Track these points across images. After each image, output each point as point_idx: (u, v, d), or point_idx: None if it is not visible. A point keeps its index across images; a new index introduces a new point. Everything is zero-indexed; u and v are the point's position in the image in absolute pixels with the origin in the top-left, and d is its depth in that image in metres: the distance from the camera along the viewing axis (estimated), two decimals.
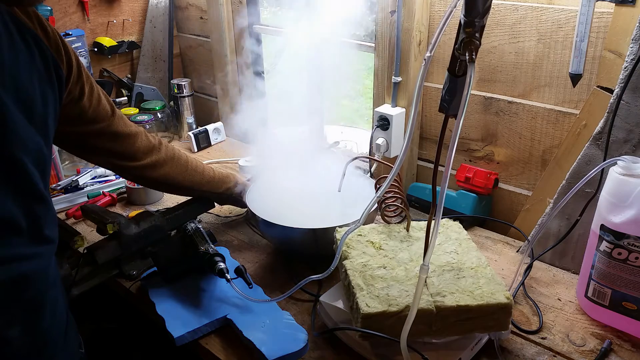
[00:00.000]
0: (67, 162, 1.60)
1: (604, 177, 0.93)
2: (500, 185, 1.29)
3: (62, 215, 1.36)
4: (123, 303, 1.17)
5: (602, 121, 1.00)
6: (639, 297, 0.88)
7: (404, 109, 1.34)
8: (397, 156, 0.95)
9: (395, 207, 1.04)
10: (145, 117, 1.68)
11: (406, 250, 0.95)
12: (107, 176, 1.52)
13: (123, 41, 1.81)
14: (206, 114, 1.94)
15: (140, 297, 1.05)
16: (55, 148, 1.42)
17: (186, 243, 1.08)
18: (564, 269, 1.11)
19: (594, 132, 1.01)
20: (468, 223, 1.24)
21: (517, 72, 1.17)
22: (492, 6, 0.65)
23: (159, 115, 1.76)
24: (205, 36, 1.83)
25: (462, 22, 0.63)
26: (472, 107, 1.27)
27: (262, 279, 1.09)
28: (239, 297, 0.98)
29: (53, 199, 1.33)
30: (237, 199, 1.23)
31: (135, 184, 1.38)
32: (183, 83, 1.77)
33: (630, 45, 0.94)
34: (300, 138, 1.25)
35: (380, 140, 1.36)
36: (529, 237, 1.15)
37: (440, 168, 0.81)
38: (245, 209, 1.30)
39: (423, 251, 0.92)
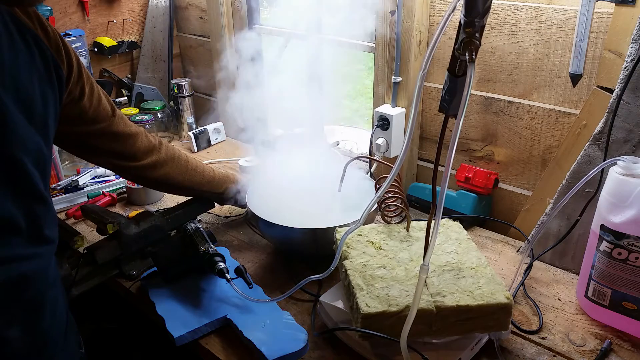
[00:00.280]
0: (67, 162, 1.60)
1: (604, 177, 0.93)
2: (500, 185, 1.29)
3: (62, 215, 1.36)
4: (123, 303, 1.17)
5: (602, 121, 1.00)
6: (639, 297, 0.88)
7: (404, 109, 1.34)
8: (397, 156, 0.95)
9: (395, 207, 1.04)
10: (145, 117, 1.68)
11: (406, 250, 0.95)
12: (107, 176, 1.52)
13: (123, 41, 1.81)
14: (206, 114, 1.94)
15: (140, 297, 1.05)
16: (55, 148, 1.42)
17: (186, 243, 1.08)
18: (564, 269, 1.11)
19: (594, 132, 1.01)
20: (468, 223, 1.24)
21: (517, 72, 1.17)
22: (492, 6, 0.65)
23: (159, 115, 1.76)
24: (205, 36, 1.83)
25: (462, 22, 0.63)
26: (472, 107, 1.27)
27: (262, 279, 1.09)
28: (239, 297, 0.98)
29: (53, 199, 1.32)
30: (237, 199, 1.23)
31: (135, 184, 1.38)
32: (183, 83, 1.77)
33: (630, 45, 0.94)
34: (300, 138, 1.25)
35: (380, 140, 1.36)
36: (529, 237, 1.15)
37: (440, 168, 0.81)
38: (245, 209, 1.30)
39: (423, 251, 0.92)
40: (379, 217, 1.11)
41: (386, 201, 1.05)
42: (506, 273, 1.10)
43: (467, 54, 0.63)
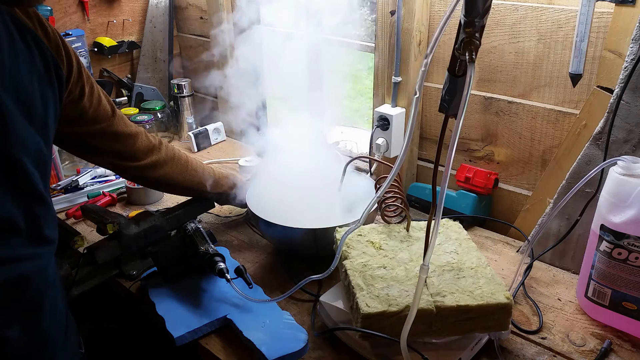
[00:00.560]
0: (67, 162, 1.60)
1: (604, 177, 0.93)
2: (500, 185, 1.29)
3: (62, 215, 1.36)
4: (123, 303, 1.17)
5: (602, 121, 1.00)
6: (639, 297, 0.88)
7: (404, 109, 1.34)
8: (397, 156, 0.95)
9: (395, 207, 1.04)
10: (145, 117, 1.68)
11: (406, 250, 0.95)
12: (107, 176, 1.52)
13: (123, 41, 1.81)
14: (206, 114, 1.94)
15: (140, 297, 1.05)
16: (55, 148, 1.42)
17: (186, 243, 1.08)
18: (564, 269, 1.11)
19: (594, 132, 1.01)
20: (468, 223, 1.24)
21: (517, 72, 1.17)
22: (492, 6, 0.65)
23: (159, 115, 1.76)
24: (205, 36, 1.83)
25: (462, 22, 0.63)
26: (472, 107, 1.27)
27: (262, 279, 1.09)
28: (239, 297, 0.98)
29: (53, 199, 1.32)
30: (237, 199, 1.22)
31: (135, 184, 1.38)
32: (183, 83, 1.77)
33: (630, 45, 0.94)
34: (300, 138, 1.25)
35: (380, 140, 1.36)
36: (529, 237, 1.15)
37: (440, 168, 0.81)
38: (245, 209, 1.30)
39: (423, 251, 0.92)
40: (379, 217, 1.11)
41: (386, 201, 1.05)
42: (506, 273, 1.10)
43: (467, 54, 0.63)
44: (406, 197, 1.25)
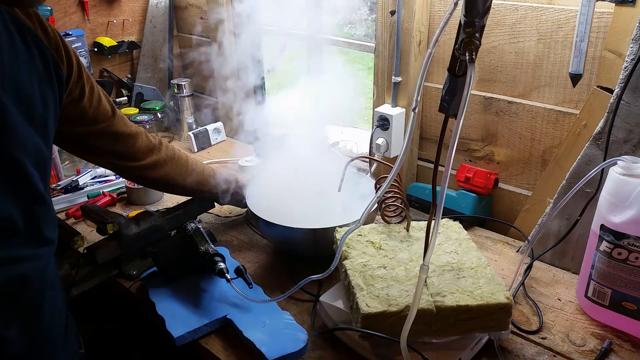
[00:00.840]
0: (67, 162, 1.60)
1: (604, 177, 0.93)
2: (500, 185, 1.29)
3: (62, 215, 1.36)
4: (123, 303, 1.17)
5: (602, 121, 1.00)
6: (639, 297, 0.88)
7: (404, 109, 1.34)
8: (397, 156, 0.95)
9: (395, 207, 1.04)
10: (145, 117, 1.68)
11: (406, 250, 0.95)
12: (107, 176, 1.52)
13: (123, 41, 1.81)
14: (206, 114, 1.94)
15: (140, 297, 1.05)
16: (55, 148, 1.42)
17: (186, 243, 1.08)
18: (564, 269, 1.11)
19: (594, 132, 1.01)
20: (468, 223, 1.24)
21: (517, 72, 1.17)
22: (492, 6, 0.65)
23: (159, 115, 1.76)
24: (205, 36, 1.83)
25: (462, 22, 0.63)
26: (472, 107, 1.27)
27: (262, 279, 1.09)
28: (239, 297, 0.98)
29: (53, 199, 1.33)
30: (237, 199, 1.23)
31: (135, 184, 1.38)
32: (183, 83, 1.77)
33: (630, 45, 0.94)
34: (300, 138, 1.25)
35: (380, 140, 1.36)
36: (529, 237, 1.15)
37: (440, 168, 0.81)
38: (245, 209, 1.30)
39: (423, 251, 0.92)
40: (379, 217, 1.11)
41: (386, 201, 1.05)
42: (506, 273, 1.10)
43: (467, 54, 0.63)
44: (406, 197, 1.25)
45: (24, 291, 0.70)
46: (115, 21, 1.78)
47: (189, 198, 1.23)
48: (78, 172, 1.53)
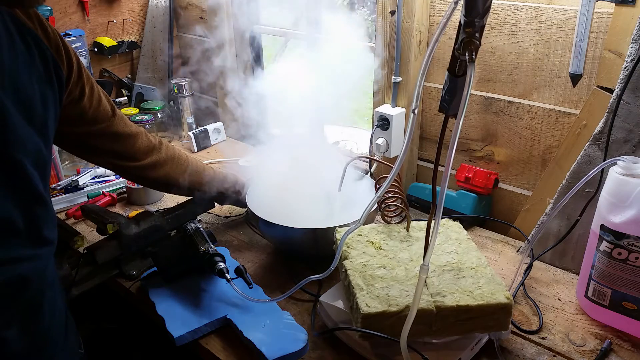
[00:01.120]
0: (67, 162, 1.60)
1: (604, 177, 0.93)
2: (500, 185, 1.29)
3: (62, 215, 1.36)
4: (123, 303, 1.17)
5: (602, 121, 1.00)
6: (639, 297, 0.88)
7: (404, 109, 1.34)
8: (397, 156, 0.95)
9: (395, 207, 1.04)
10: (145, 117, 1.69)
11: (406, 250, 0.95)
12: (107, 176, 1.52)
13: (123, 41, 1.81)
14: (206, 114, 1.94)
15: (140, 297, 1.05)
16: (55, 148, 1.42)
17: (186, 243, 1.08)
18: (564, 269, 1.11)
19: (594, 132, 1.01)
20: (468, 223, 1.24)
21: (517, 72, 1.17)
22: (492, 6, 0.65)
23: (159, 115, 1.76)
24: (205, 36, 1.83)
25: (462, 22, 0.63)
26: (472, 107, 1.27)
27: (262, 279, 1.09)
28: (239, 297, 0.98)
29: (53, 199, 1.33)
30: (237, 199, 1.23)
31: (135, 184, 1.38)
32: (183, 83, 1.77)
33: (630, 45, 0.94)
34: (300, 138, 1.25)
35: (380, 140, 1.36)
36: (529, 237, 1.15)
37: (440, 168, 0.81)
38: (245, 209, 1.30)
39: (423, 251, 0.92)
40: (379, 217, 1.11)
41: (386, 201, 1.05)
42: (506, 273, 1.10)
43: (467, 54, 0.63)
44: (406, 197, 1.25)
45: (24, 291, 0.70)
46: (115, 21, 1.78)
47: (189, 198, 1.23)
48: (78, 172, 1.53)
